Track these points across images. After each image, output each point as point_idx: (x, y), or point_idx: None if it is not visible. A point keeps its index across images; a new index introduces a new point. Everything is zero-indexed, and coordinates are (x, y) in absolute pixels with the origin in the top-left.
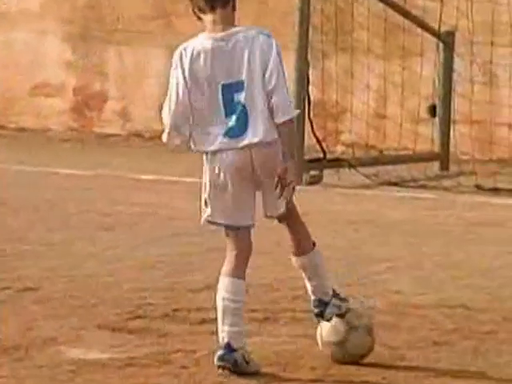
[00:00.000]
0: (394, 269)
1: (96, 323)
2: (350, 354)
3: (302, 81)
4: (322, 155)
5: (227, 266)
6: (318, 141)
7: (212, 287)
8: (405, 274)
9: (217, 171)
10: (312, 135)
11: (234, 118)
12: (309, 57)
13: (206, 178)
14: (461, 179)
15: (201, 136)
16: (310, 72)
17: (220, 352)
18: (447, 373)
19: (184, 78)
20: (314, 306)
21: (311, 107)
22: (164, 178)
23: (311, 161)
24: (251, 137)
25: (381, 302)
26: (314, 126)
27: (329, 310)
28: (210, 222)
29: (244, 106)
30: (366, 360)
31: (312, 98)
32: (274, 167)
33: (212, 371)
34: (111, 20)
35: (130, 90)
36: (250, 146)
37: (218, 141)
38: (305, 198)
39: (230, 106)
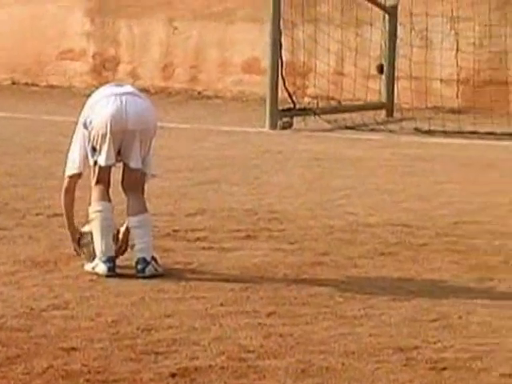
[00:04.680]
0: (350, 196)
1: None
2: None
3: (276, 46)
4: (292, 105)
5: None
6: (289, 94)
7: (203, 213)
8: (358, 200)
9: None
10: (284, 90)
11: None
12: (281, 26)
13: None
14: (403, 123)
15: None
16: (282, 39)
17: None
18: (391, 276)
19: None
20: (138, 263)
21: (283, 67)
22: (164, 124)
23: (284, 110)
24: None
25: (339, 222)
26: (286, 82)
27: (149, 268)
28: None
29: None
30: (327, 266)
31: (284, 59)
32: None
33: (205, 278)
34: None
35: (138, 55)
36: None
37: None
38: (279, 140)
39: None
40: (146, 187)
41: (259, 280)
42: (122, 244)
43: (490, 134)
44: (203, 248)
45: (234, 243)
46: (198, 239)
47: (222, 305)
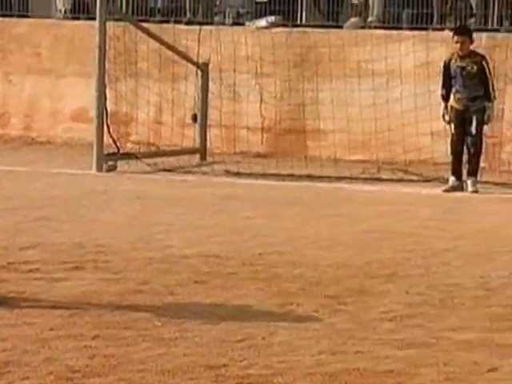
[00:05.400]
0: (168, 231)
1: None
2: None
3: (101, 98)
4: (116, 150)
5: None
6: (114, 140)
7: (35, 247)
8: (175, 235)
9: None
10: (109, 136)
11: None
12: (106, 81)
13: None
14: (214, 166)
15: None
16: (107, 91)
17: None
18: (203, 302)
19: None
20: None
21: (108, 116)
22: (1, 168)
23: (109, 154)
24: None
25: (158, 254)
26: (111, 130)
27: None
28: None
29: None
30: (147, 293)
31: (109, 110)
32: None
33: (36, 305)
34: None
35: None
36: None
37: None
38: (104, 181)
39: None
40: None
41: (85, 307)
42: None
43: (291, 176)
44: (35, 278)
45: (63, 274)
46: (30, 271)
47: (51, 329)
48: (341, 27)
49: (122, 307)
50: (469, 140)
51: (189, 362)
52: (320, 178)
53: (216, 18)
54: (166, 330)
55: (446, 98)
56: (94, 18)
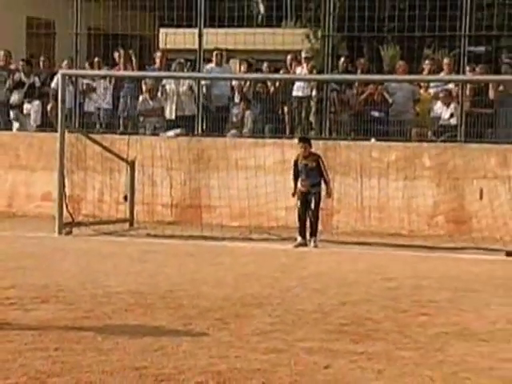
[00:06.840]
0: (107, 274)
1: None
2: None
3: (61, 185)
4: (72, 220)
5: None
6: (70, 213)
7: (14, 287)
8: (112, 278)
9: None
10: (67, 211)
11: None
12: (64, 173)
13: None
14: (139, 231)
15: None
16: (66, 180)
17: None
18: (131, 323)
19: None
20: None
21: (66, 197)
22: None
23: (66, 223)
24: None
25: (100, 291)
26: (68, 206)
27: None
28: None
29: None
30: (92, 318)
31: (67, 193)
32: None
33: (14, 328)
34: None
35: None
36: None
37: None
38: (63, 242)
39: None
40: None
41: (49, 328)
42: None
43: (191, 237)
44: (14, 309)
45: (34, 306)
46: (10, 304)
47: (25, 344)
48: (224, 136)
49: (74, 328)
50: (310, 212)
51: (121, 365)
52: (211, 238)
53: (140, 130)
54: (106, 343)
55: (295, 184)
56: (56, 131)
